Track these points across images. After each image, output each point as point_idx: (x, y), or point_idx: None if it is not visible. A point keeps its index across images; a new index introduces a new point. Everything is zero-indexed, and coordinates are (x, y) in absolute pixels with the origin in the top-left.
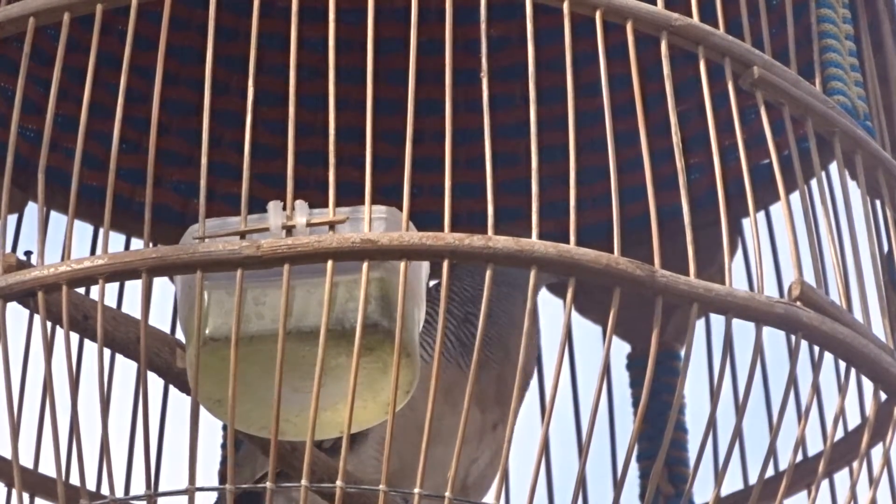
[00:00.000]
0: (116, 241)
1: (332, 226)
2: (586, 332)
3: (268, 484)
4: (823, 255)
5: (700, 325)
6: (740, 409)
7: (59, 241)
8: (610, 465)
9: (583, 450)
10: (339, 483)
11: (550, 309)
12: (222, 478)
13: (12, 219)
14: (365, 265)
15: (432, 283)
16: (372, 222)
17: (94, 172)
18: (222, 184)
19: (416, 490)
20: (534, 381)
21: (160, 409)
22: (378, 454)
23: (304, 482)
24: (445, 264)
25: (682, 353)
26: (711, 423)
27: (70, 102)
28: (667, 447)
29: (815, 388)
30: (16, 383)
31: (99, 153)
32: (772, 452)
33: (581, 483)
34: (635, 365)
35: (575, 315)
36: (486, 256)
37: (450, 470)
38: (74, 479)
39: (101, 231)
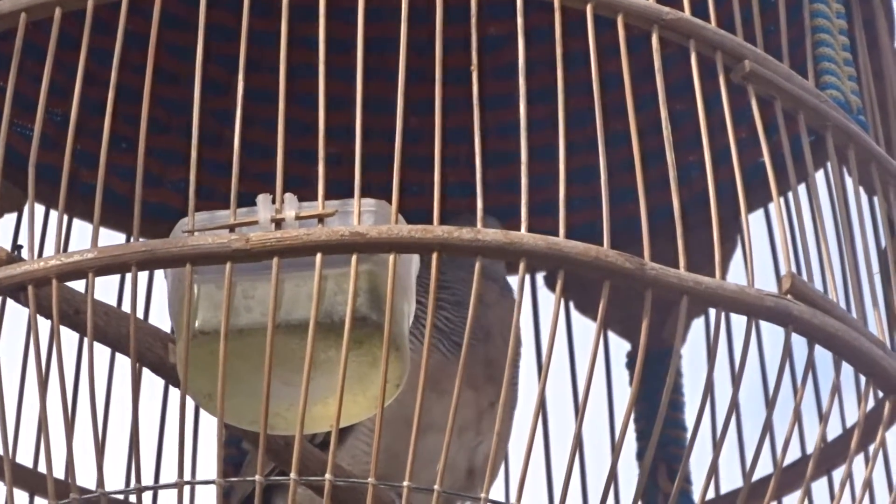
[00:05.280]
0: (117, 240)
1: (321, 219)
2: (586, 330)
3: (257, 477)
4: (819, 249)
5: (700, 322)
6: (734, 392)
7: None
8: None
9: (578, 419)
10: (327, 476)
11: (544, 303)
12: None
13: (12, 218)
14: (354, 258)
15: None
16: (361, 215)
17: (95, 172)
18: (222, 183)
19: (406, 483)
20: (532, 378)
21: (161, 406)
22: (368, 447)
23: (292, 475)
24: (434, 257)
25: (681, 350)
26: (705, 398)
27: (70, 101)
28: (657, 435)
29: (806, 382)
30: (15, 381)
31: (99, 153)
32: (763, 445)
33: (575, 454)
34: (635, 364)
35: (574, 314)
36: (475, 249)
37: (448, 459)
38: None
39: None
